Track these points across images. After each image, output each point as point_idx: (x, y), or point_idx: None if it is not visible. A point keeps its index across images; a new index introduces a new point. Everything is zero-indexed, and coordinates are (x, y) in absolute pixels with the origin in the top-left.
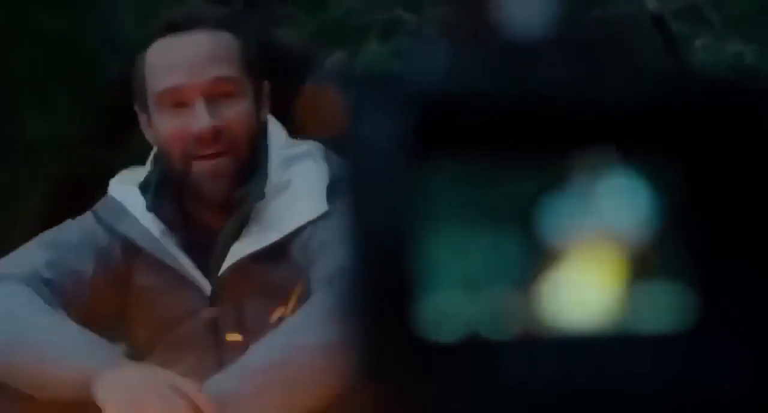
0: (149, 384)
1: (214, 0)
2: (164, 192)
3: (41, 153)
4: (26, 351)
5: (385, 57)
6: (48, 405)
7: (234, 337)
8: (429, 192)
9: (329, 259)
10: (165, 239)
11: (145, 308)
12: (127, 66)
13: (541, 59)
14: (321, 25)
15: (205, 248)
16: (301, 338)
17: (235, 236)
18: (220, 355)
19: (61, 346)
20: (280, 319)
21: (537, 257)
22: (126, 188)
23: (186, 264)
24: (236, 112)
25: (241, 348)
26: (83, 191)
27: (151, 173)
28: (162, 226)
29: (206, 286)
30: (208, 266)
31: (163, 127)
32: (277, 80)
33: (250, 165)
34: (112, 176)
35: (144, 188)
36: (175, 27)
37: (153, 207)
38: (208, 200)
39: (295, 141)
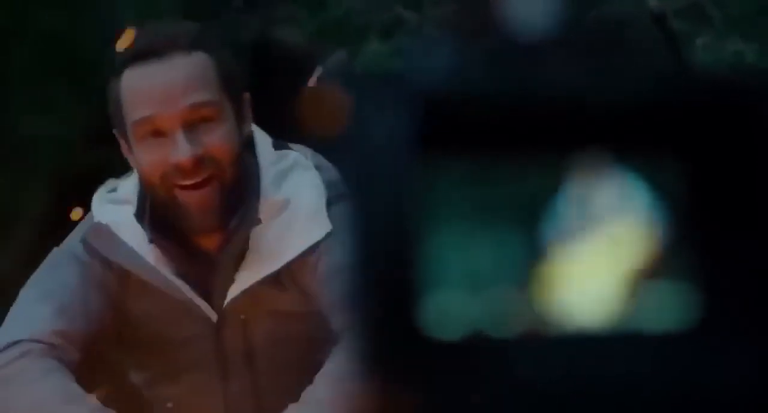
0: None
1: (215, 0)
2: (160, 220)
3: (40, 152)
4: None
5: (385, 56)
6: None
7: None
8: (431, 192)
9: (342, 283)
10: (162, 267)
11: (144, 335)
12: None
13: (542, 59)
14: (321, 24)
15: (204, 273)
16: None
17: (237, 263)
18: (226, 379)
19: None
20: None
21: (540, 256)
22: (113, 211)
23: (186, 292)
24: (218, 135)
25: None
26: (83, 191)
27: (142, 197)
28: (159, 254)
29: (211, 313)
30: (209, 293)
31: (142, 157)
32: (278, 80)
33: (238, 187)
34: (112, 176)
35: (140, 215)
36: (147, 53)
37: (153, 239)
38: (199, 229)
39: (281, 152)
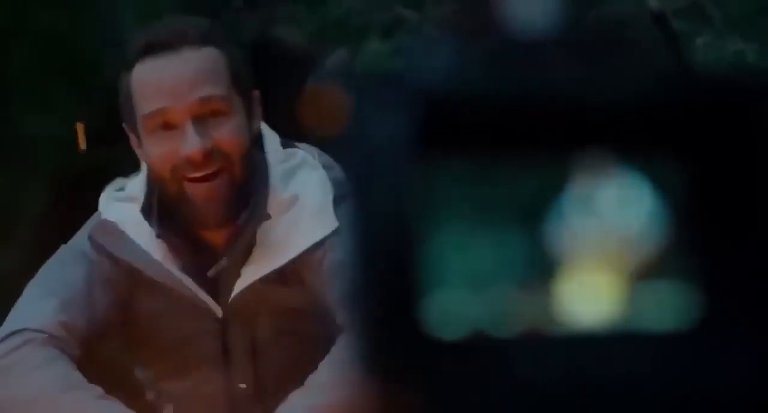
0: None
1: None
2: (167, 216)
3: (41, 152)
4: None
5: (386, 56)
6: None
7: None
8: (433, 191)
9: (347, 281)
10: (168, 263)
11: (150, 331)
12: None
13: (542, 58)
14: (321, 23)
15: (210, 269)
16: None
17: (244, 258)
18: (231, 375)
19: None
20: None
21: (541, 256)
22: (120, 208)
23: (192, 287)
24: (227, 129)
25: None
26: (83, 191)
27: (149, 193)
28: (166, 250)
29: (216, 308)
30: (215, 289)
31: (152, 150)
32: (278, 80)
33: (246, 182)
34: (112, 176)
35: (146, 211)
36: (158, 47)
37: (161, 234)
38: (207, 223)
39: (289, 150)
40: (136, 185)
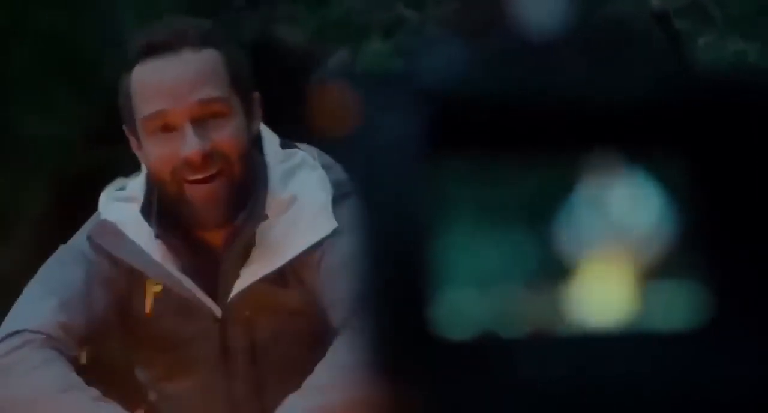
0: None
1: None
2: (167, 216)
3: (41, 152)
4: None
5: (386, 56)
6: None
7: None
8: (440, 191)
9: (346, 281)
10: (167, 263)
11: (149, 331)
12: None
13: (545, 58)
14: (322, 23)
15: (209, 270)
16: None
17: (243, 259)
18: (230, 375)
19: None
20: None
21: (549, 256)
22: (119, 208)
23: (191, 288)
24: (226, 131)
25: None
26: (83, 191)
27: (149, 193)
28: (165, 250)
29: (215, 308)
30: (214, 289)
31: (151, 152)
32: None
33: (246, 183)
34: (112, 176)
35: (146, 211)
36: (158, 48)
37: (160, 234)
38: (206, 224)
39: (288, 151)
40: (136, 185)
